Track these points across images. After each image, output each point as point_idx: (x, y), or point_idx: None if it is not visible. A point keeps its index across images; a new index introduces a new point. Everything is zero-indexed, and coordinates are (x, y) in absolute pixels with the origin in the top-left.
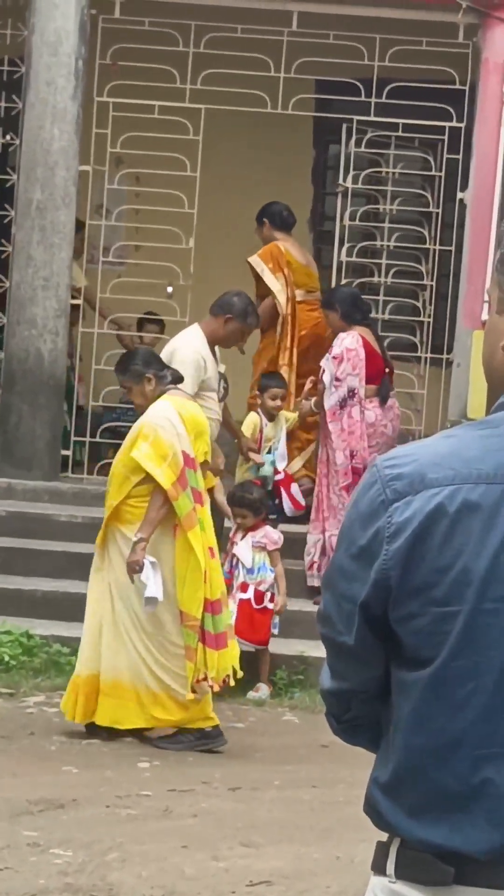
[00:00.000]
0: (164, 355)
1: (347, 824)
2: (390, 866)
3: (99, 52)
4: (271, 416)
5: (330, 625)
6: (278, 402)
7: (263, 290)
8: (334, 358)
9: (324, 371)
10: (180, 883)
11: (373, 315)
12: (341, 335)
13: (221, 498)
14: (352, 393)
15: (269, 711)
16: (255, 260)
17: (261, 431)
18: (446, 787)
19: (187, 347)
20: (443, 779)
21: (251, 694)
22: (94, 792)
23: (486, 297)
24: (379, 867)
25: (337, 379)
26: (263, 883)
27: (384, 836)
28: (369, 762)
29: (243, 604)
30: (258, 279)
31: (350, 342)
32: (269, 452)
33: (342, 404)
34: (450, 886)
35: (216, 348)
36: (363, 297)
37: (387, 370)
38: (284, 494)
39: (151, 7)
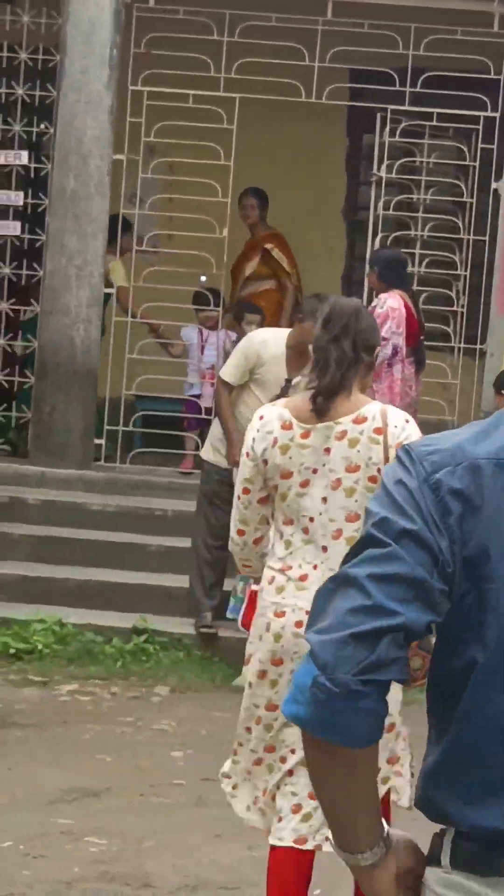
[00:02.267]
0: None
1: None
2: (445, 857)
3: (133, 41)
4: None
5: (387, 559)
6: None
7: (262, 273)
8: (378, 318)
9: None
10: (215, 872)
11: None
12: (382, 296)
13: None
14: (395, 350)
15: None
16: (279, 255)
17: None
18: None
19: (251, 337)
20: (500, 761)
21: None
22: (128, 780)
23: None
24: (433, 858)
25: (383, 338)
26: None
27: (422, 829)
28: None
29: (252, 594)
30: (265, 261)
31: (392, 302)
32: None
33: (390, 363)
34: None
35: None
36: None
37: (421, 337)
38: None
39: None
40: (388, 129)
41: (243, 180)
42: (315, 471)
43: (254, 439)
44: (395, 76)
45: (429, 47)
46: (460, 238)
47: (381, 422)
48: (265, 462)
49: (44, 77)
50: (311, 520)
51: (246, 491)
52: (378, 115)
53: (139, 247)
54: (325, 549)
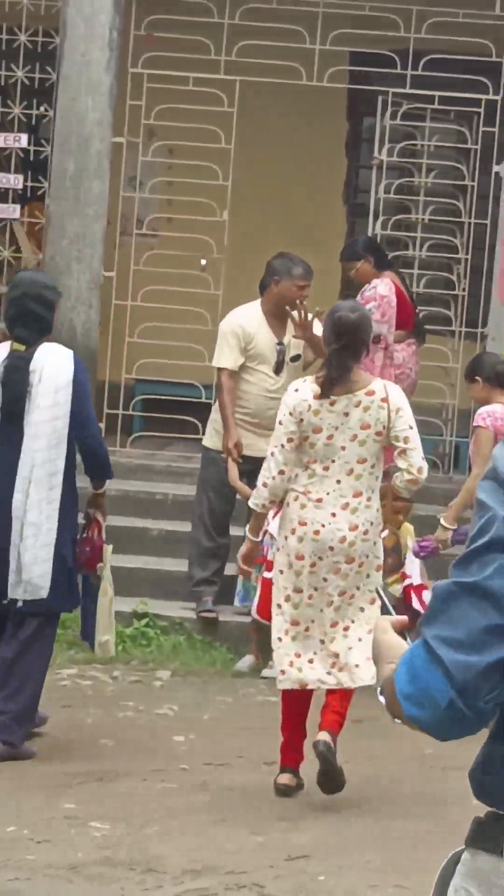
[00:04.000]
0: None
1: (384, 798)
2: None
3: (134, 24)
4: None
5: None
6: None
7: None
8: (364, 304)
9: None
10: (219, 857)
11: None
12: (374, 281)
13: (234, 476)
14: (377, 339)
15: None
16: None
17: None
18: None
19: (228, 318)
20: None
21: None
22: (131, 765)
23: None
24: (495, 846)
25: None
26: (303, 857)
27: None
28: (401, 736)
29: (266, 583)
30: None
31: (383, 289)
32: None
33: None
34: None
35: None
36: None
37: (418, 315)
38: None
39: None
40: (388, 112)
41: (243, 163)
42: (337, 428)
43: (294, 405)
44: (396, 59)
45: (430, 30)
46: (461, 221)
47: (384, 392)
48: (301, 420)
49: (43, 59)
50: (333, 461)
51: (290, 440)
52: (379, 98)
53: (139, 230)
54: (339, 482)
